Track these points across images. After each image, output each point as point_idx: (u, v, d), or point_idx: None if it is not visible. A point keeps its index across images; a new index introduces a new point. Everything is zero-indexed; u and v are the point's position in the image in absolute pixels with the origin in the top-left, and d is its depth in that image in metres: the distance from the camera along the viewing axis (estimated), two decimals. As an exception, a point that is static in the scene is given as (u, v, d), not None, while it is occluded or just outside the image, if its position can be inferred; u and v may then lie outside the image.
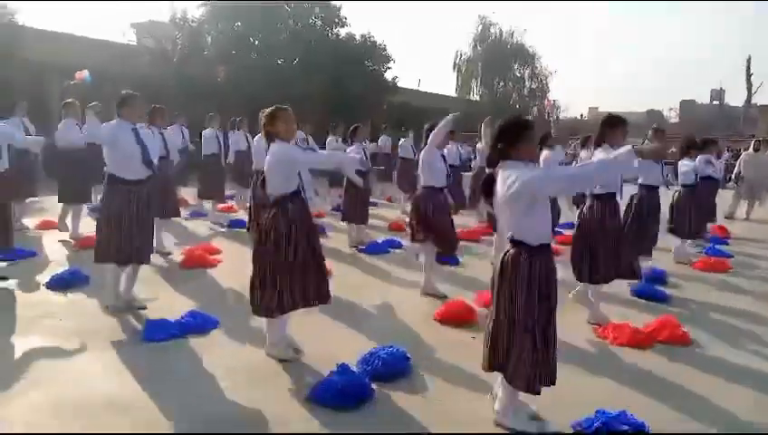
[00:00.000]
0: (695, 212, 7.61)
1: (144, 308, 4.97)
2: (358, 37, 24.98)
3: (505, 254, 3.11)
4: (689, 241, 7.89)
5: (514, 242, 3.06)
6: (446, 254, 5.87)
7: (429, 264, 5.72)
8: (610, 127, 4.82)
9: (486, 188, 3.17)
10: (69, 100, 7.95)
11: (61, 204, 7.90)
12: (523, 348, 2.97)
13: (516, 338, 2.99)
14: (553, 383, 3.04)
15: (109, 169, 4.86)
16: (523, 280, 2.99)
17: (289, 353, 4.04)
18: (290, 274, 3.86)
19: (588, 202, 4.99)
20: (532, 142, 3.11)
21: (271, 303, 3.88)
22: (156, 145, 5.29)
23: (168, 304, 5.12)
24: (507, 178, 2.96)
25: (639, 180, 6.54)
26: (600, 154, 4.82)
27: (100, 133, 4.86)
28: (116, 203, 4.78)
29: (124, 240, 4.79)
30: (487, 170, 3.23)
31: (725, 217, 11.78)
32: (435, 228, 5.49)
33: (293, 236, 3.86)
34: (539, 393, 3.01)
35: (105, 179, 4.88)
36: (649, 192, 6.37)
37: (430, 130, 5.59)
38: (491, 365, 3.14)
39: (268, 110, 4.05)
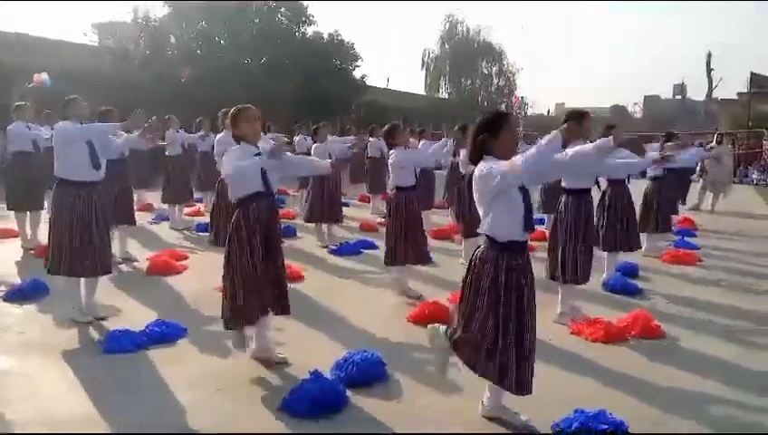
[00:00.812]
0: (662, 206, 7.71)
1: (104, 319, 4.76)
2: (325, 36, 24.82)
3: (476, 249, 3.10)
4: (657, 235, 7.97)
5: (486, 238, 3.05)
6: (417, 262, 5.79)
7: (402, 270, 5.65)
8: (576, 121, 4.81)
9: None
10: (20, 103, 7.68)
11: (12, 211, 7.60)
12: (485, 346, 2.96)
13: (480, 335, 2.98)
14: (525, 390, 2.99)
15: (57, 173, 4.65)
16: (488, 276, 2.97)
17: (271, 354, 3.93)
18: (251, 282, 3.73)
19: (562, 198, 4.97)
20: (512, 132, 3.09)
21: (233, 313, 3.77)
22: (105, 144, 5.05)
23: (133, 313, 4.93)
24: (483, 170, 2.95)
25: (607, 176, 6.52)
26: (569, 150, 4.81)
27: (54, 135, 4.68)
28: (65, 208, 4.56)
29: (75, 251, 4.56)
30: (470, 168, 3.18)
31: (691, 210, 12.00)
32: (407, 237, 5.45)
33: (255, 240, 3.73)
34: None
35: (54, 185, 4.68)
36: (619, 187, 6.39)
37: (388, 132, 5.52)
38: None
39: (231, 110, 3.90)
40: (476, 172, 3.03)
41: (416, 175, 5.62)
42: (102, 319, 4.76)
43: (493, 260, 2.99)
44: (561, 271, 4.89)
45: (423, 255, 5.73)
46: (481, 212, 3.07)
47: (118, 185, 6.48)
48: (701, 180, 13.13)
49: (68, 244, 4.56)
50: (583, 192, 4.94)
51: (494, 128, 3.02)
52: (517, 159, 2.87)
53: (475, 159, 3.08)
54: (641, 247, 6.56)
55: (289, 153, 4.09)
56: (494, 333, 2.96)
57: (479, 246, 3.12)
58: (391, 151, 5.58)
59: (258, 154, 3.78)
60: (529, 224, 3.02)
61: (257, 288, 3.75)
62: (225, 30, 22.17)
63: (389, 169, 5.68)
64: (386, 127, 5.67)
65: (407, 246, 5.50)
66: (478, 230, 3.13)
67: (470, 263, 3.12)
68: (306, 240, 8.39)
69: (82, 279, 4.77)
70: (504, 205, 2.96)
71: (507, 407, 3.20)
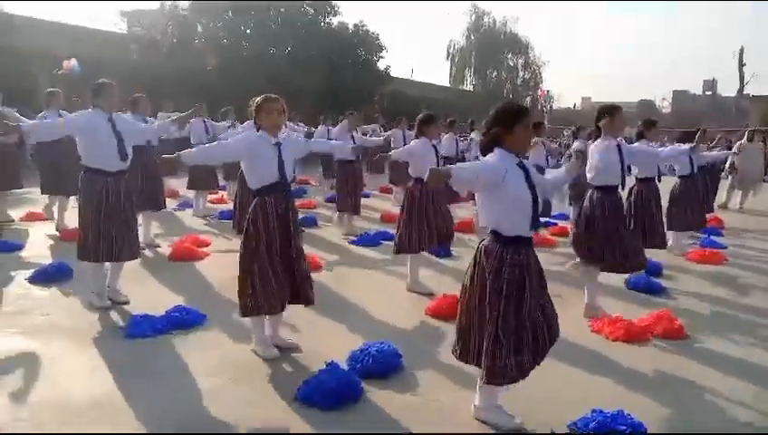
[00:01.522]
0: (692, 204, 7.58)
1: (127, 303, 4.84)
2: (350, 26, 24.77)
3: (480, 243, 3.06)
4: (685, 233, 7.83)
5: (491, 232, 3.01)
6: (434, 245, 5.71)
7: (415, 260, 5.62)
8: (608, 117, 4.78)
9: None
10: (52, 89, 7.77)
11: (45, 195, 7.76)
12: (488, 340, 2.89)
13: (484, 330, 2.92)
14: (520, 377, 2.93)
15: (84, 162, 4.69)
16: (492, 270, 2.91)
17: (271, 353, 3.91)
18: (266, 272, 3.74)
19: (589, 193, 4.92)
20: (527, 129, 3.03)
21: (248, 301, 3.79)
22: (136, 132, 5.08)
23: (154, 298, 4.99)
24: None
25: (635, 174, 6.45)
26: (601, 144, 4.79)
27: (73, 121, 4.69)
28: (94, 196, 4.60)
29: (104, 238, 4.61)
30: (481, 158, 3.13)
31: (719, 208, 11.75)
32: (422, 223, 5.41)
33: (270, 231, 3.75)
34: (501, 385, 2.94)
35: (81, 173, 4.71)
36: (647, 184, 6.30)
37: (423, 122, 5.48)
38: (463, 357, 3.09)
39: (257, 99, 3.91)
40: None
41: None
42: (125, 303, 4.83)
43: (497, 254, 2.93)
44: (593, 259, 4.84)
45: (435, 242, 5.59)
46: (479, 204, 3.05)
47: (144, 171, 6.58)
48: (729, 178, 12.85)
49: (96, 230, 4.60)
50: (611, 189, 4.87)
51: (509, 122, 2.96)
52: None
53: (486, 150, 3.04)
54: (666, 246, 6.45)
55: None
56: (495, 325, 2.89)
57: (482, 239, 3.07)
58: (414, 141, 5.52)
59: (278, 144, 3.79)
60: (536, 221, 2.97)
61: (275, 279, 3.77)
62: (250, 20, 22.26)
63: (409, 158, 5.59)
64: (423, 115, 5.62)
65: (420, 232, 5.40)
66: (481, 224, 3.09)
67: (474, 256, 3.06)
68: (326, 230, 8.41)
69: (107, 263, 4.84)
70: (510, 199, 2.91)
71: (503, 408, 3.13)
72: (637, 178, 6.37)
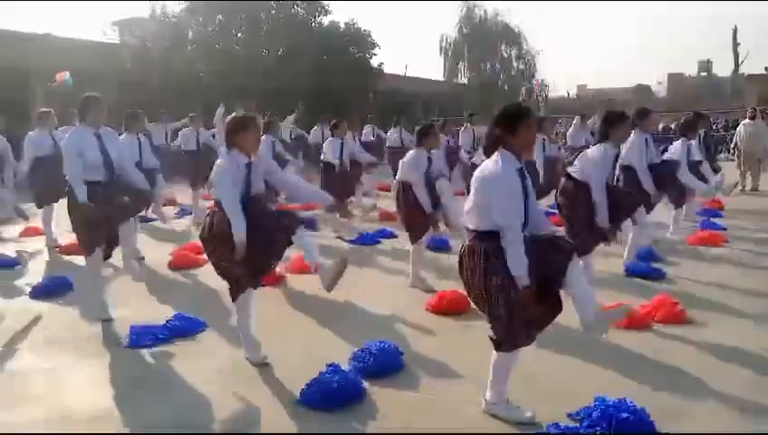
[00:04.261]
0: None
1: (143, 258, 5.08)
2: (342, 25, 24.75)
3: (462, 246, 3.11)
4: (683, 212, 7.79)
5: (471, 230, 3.06)
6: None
7: (417, 256, 5.62)
8: (612, 125, 5.00)
9: None
10: (44, 109, 7.71)
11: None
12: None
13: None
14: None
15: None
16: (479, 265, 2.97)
17: (258, 357, 3.88)
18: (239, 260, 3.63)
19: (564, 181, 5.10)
20: (530, 129, 3.04)
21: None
22: (131, 151, 5.08)
23: (154, 307, 5.00)
24: (487, 177, 2.97)
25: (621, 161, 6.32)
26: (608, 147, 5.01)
27: (73, 149, 4.62)
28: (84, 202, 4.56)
29: (99, 230, 4.61)
30: (483, 159, 3.13)
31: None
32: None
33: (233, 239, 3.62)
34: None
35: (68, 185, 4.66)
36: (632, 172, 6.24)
37: (421, 133, 5.50)
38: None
39: (235, 119, 3.81)
40: (482, 172, 2.98)
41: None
42: (142, 258, 5.09)
43: (479, 249, 2.96)
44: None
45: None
46: (471, 204, 3.03)
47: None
48: (736, 159, 12.76)
49: (93, 224, 4.57)
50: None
51: (512, 124, 2.97)
52: (507, 231, 2.87)
53: (489, 152, 3.04)
54: (652, 208, 6.34)
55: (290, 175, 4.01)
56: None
57: (464, 243, 3.09)
58: (412, 152, 5.49)
59: (248, 164, 3.74)
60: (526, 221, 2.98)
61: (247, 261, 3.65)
62: (242, 23, 22.25)
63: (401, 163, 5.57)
64: (421, 127, 5.64)
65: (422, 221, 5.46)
66: (463, 223, 3.11)
67: (459, 259, 3.08)
68: (324, 231, 8.40)
69: (120, 236, 4.76)
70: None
71: (511, 402, 3.13)
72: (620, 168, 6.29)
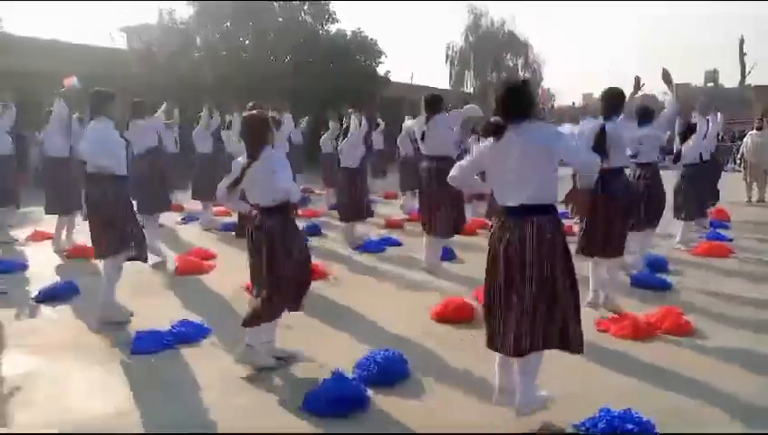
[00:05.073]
0: (697, 193, 7.57)
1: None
2: (348, 33, 24.84)
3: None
4: (693, 224, 7.80)
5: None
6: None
7: (429, 241, 6.06)
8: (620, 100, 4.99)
9: None
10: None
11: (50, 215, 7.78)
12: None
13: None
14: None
15: (90, 169, 4.79)
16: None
17: (269, 361, 3.91)
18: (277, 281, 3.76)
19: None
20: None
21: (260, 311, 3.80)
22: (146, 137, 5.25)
23: (160, 312, 5.00)
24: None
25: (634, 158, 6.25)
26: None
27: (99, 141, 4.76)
28: (99, 202, 4.73)
29: (118, 235, 4.75)
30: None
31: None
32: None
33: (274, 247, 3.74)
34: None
35: (86, 180, 4.80)
36: (646, 169, 6.21)
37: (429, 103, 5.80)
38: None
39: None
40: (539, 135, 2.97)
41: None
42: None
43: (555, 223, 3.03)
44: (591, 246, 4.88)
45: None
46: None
47: (154, 173, 6.98)
48: (743, 170, 12.74)
49: (110, 230, 4.72)
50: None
51: (531, 100, 3.04)
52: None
53: (487, 136, 3.06)
54: (657, 225, 6.33)
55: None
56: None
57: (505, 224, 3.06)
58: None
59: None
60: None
61: (284, 287, 3.78)
62: (249, 30, 22.36)
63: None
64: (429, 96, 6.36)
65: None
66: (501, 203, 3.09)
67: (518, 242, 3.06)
68: (331, 238, 8.41)
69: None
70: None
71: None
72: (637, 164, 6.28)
